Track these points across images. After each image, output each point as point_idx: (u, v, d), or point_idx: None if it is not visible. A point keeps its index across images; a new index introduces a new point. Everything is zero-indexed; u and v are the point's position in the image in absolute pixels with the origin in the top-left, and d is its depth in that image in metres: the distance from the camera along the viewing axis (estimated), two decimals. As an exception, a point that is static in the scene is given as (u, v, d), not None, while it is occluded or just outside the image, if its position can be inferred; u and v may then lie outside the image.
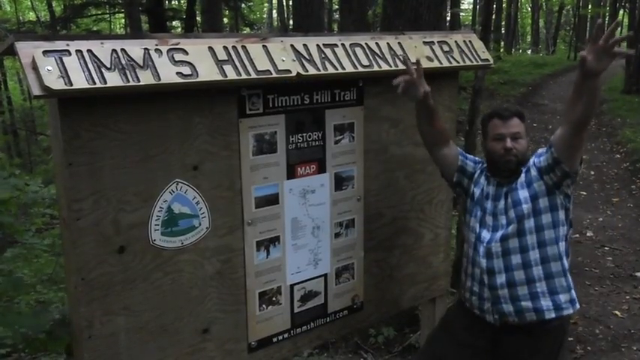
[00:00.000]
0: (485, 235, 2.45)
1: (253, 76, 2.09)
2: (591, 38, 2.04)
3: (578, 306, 2.47)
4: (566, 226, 2.43)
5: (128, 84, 1.81)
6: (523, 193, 2.38)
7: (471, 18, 28.03)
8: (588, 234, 6.26)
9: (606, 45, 2.00)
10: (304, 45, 2.29)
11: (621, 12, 29.53)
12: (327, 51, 2.34)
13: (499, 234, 2.40)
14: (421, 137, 2.62)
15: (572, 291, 2.44)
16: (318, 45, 2.33)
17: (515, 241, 2.38)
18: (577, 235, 6.12)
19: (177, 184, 2.09)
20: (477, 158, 2.65)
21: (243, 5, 17.92)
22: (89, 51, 1.80)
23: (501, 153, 2.40)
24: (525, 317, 2.40)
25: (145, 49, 1.90)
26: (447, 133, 2.64)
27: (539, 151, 2.44)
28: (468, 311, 2.58)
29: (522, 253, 2.38)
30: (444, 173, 2.67)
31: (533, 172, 2.38)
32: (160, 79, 1.87)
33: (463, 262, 2.65)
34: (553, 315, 2.38)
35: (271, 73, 2.14)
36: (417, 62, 2.39)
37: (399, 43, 2.58)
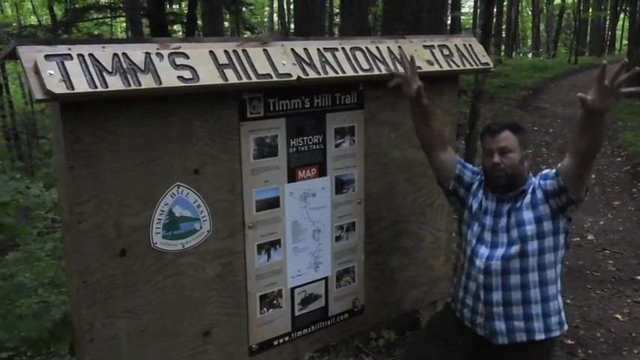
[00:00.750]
0: (484, 251, 2.42)
1: (254, 79, 2.10)
2: (596, 79, 1.98)
3: (566, 327, 2.48)
4: (564, 250, 2.43)
5: (129, 88, 1.82)
6: (528, 215, 2.35)
7: (471, 22, 28.09)
8: (589, 237, 6.25)
9: (612, 86, 1.96)
10: (305, 49, 2.30)
11: (622, 15, 29.56)
12: (328, 55, 2.36)
13: (500, 252, 2.37)
14: (418, 139, 2.61)
15: (562, 313, 2.45)
16: (318, 49, 2.34)
17: (516, 262, 2.36)
18: (578, 239, 6.12)
19: (179, 187, 2.10)
20: (475, 169, 2.62)
21: (244, 9, 17.96)
22: (91, 55, 1.81)
23: (491, 168, 2.38)
24: (515, 337, 2.39)
25: (146, 53, 1.91)
26: (443, 136, 2.62)
27: (545, 172, 2.40)
28: (457, 319, 2.56)
29: (522, 274, 2.36)
30: (441, 180, 2.63)
31: (539, 195, 2.35)
32: (161, 83, 1.89)
33: (457, 272, 2.62)
34: (543, 337, 2.39)
35: (272, 77, 2.15)
36: (411, 59, 2.40)
37: (399, 46, 2.59)
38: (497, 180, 2.38)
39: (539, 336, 2.38)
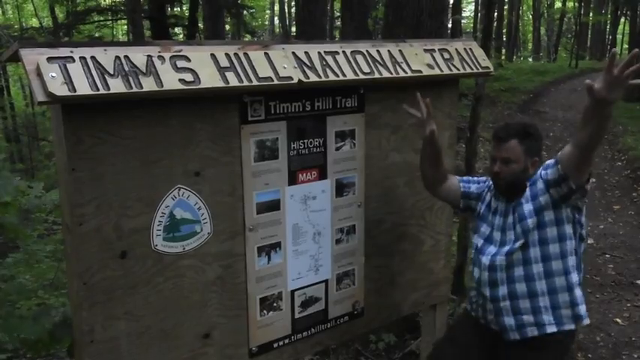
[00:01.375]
0: (492, 249, 2.45)
1: (255, 82, 2.11)
2: (605, 68, 1.95)
3: (586, 321, 2.42)
4: (574, 240, 2.39)
5: (131, 90, 1.83)
6: (527, 207, 2.36)
7: (472, 25, 28.11)
8: (589, 241, 6.25)
9: (621, 75, 1.93)
10: (305, 52, 2.31)
11: (622, 20, 29.60)
12: (329, 58, 2.36)
13: (506, 248, 2.40)
14: (422, 177, 2.68)
15: (579, 307, 2.39)
16: (319, 52, 2.35)
17: (519, 254, 2.37)
18: (578, 243, 6.12)
19: (179, 189, 2.10)
20: (479, 178, 2.65)
21: (245, 12, 17.99)
22: (93, 58, 1.82)
23: (492, 174, 2.43)
24: (527, 332, 2.39)
25: (148, 55, 1.92)
26: (446, 170, 2.68)
27: (548, 162, 2.40)
28: (473, 320, 2.60)
29: (525, 265, 2.37)
30: (451, 204, 2.76)
31: (540, 185, 2.36)
32: (162, 86, 1.89)
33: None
34: (555, 329, 2.36)
35: (273, 80, 2.16)
36: (427, 103, 2.46)
37: (399, 50, 2.60)
38: (497, 187, 2.45)
39: (551, 329, 2.36)
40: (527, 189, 2.39)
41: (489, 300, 2.44)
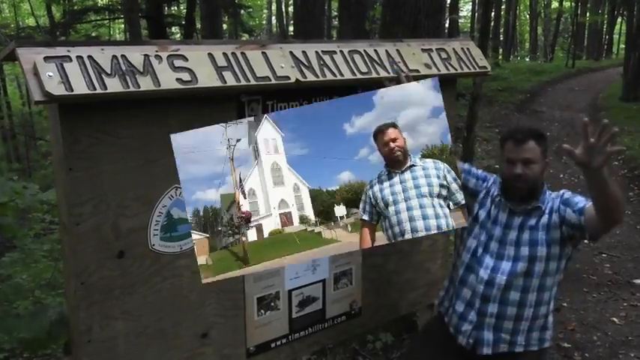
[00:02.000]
0: (489, 261, 2.40)
1: (252, 82, 2.11)
2: (582, 135, 1.92)
3: (547, 344, 2.47)
4: (561, 275, 2.43)
5: (128, 90, 1.83)
6: (542, 236, 2.34)
7: (469, 25, 28.15)
8: (586, 241, 6.26)
9: (598, 144, 1.90)
10: (303, 52, 2.31)
11: (619, 19, 29.67)
12: (326, 58, 2.36)
13: (507, 266, 2.36)
14: None
15: (548, 332, 2.45)
16: (316, 52, 2.35)
17: (520, 280, 2.35)
18: (575, 242, 6.12)
19: (177, 189, 2.10)
20: (482, 174, 2.58)
21: (242, 11, 17.97)
22: (90, 57, 1.81)
23: (511, 178, 2.33)
24: (499, 348, 2.41)
25: (145, 55, 1.92)
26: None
27: (567, 196, 2.36)
28: (445, 327, 2.56)
29: (523, 292, 2.36)
30: None
31: (555, 218, 2.33)
32: (159, 85, 1.89)
33: (450, 277, 2.61)
34: (522, 349, 2.41)
35: (270, 80, 2.16)
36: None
37: (397, 50, 2.60)
38: (518, 191, 2.34)
39: (519, 349, 2.41)
40: (546, 216, 2.35)
41: (475, 312, 2.42)
